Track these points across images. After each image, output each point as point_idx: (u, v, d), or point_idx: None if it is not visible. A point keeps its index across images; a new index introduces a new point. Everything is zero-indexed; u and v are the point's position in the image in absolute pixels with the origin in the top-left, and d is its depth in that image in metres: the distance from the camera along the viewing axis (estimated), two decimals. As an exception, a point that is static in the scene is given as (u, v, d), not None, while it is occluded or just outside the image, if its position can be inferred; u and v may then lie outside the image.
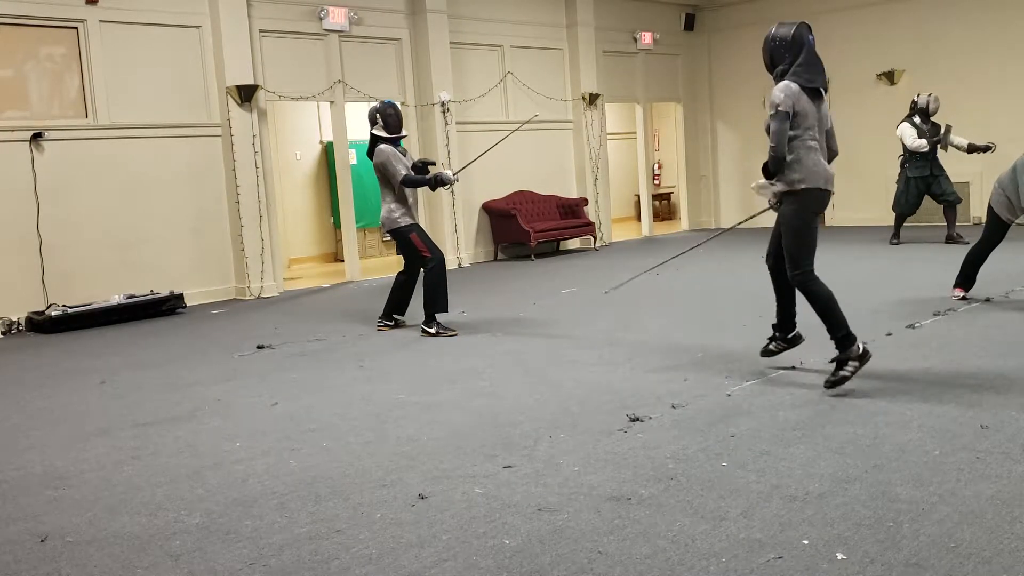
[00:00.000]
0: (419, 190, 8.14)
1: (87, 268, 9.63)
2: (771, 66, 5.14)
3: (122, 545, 3.52)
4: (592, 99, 14.39)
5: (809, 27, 5.14)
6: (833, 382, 5.02)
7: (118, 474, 4.39)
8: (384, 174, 7.53)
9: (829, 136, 5.23)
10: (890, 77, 14.21)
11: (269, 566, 3.24)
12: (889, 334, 6.46)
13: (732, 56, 16.11)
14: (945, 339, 6.24)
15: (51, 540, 3.61)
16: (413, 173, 7.57)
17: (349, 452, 4.50)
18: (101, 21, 9.71)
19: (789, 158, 5.04)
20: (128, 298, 9.53)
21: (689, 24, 16.13)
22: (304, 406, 5.47)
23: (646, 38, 15.45)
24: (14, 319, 9.08)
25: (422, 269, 7.65)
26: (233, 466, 4.40)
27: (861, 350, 5.03)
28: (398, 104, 7.90)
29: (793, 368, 5.61)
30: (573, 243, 14.33)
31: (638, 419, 4.72)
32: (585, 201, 14.15)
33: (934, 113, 11.52)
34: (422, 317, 7.63)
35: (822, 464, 3.93)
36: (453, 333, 7.51)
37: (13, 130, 9.19)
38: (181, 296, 9.89)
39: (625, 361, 6.15)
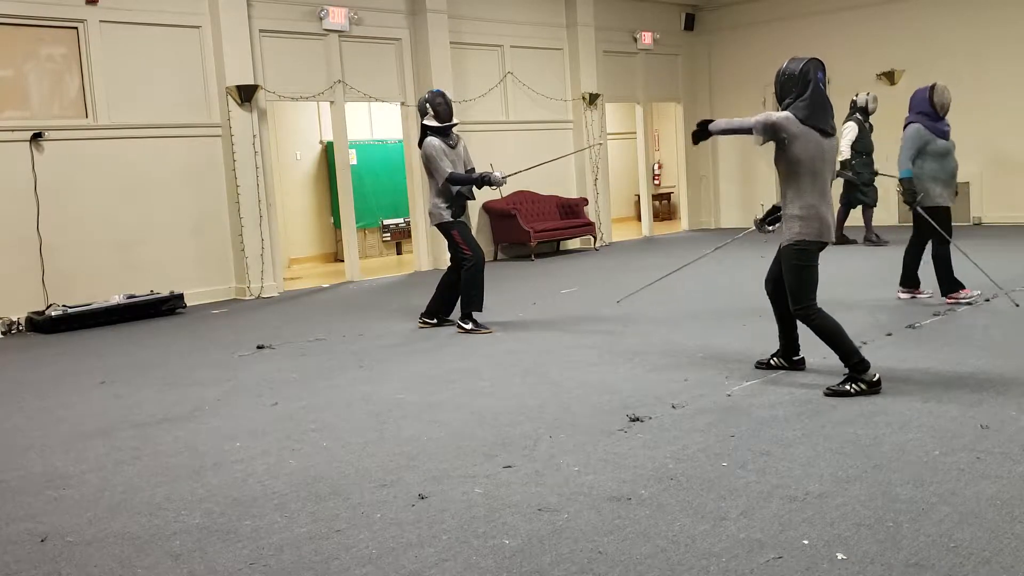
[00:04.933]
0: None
1: (87, 268, 9.63)
2: (780, 99, 5.12)
3: (122, 545, 3.52)
4: (592, 99, 14.38)
5: (821, 64, 5.09)
6: (834, 391, 4.99)
7: (118, 474, 4.39)
8: (428, 168, 7.47)
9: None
10: (890, 77, 14.21)
11: (269, 566, 3.25)
12: (889, 334, 6.46)
13: (732, 56, 16.11)
14: (945, 339, 6.24)
15: (51, 540, 3.61)
16: (462, 171, 7.50)
17: (349, 452, 4.50)
18: (101, 21, 9.71)
19: (794, 211, 5.03)
20: (128, 298, 9.52)
21: (689, 24, 16.13)
22: (304, 406, 5.47)
23: (646, 38, 15.45)
24: (14, 319, 9.08)
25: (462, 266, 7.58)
26: (233, 466, 4.40)
27: (876, 378, 4.98)
28: (446, 93, 7.75)
29: (793, 368, 5.61)
30: (573, 243, 14.33)
31: (638, 419, 4.72)
32: (585, 201, 14.15)
33: (872, 112, 11.64)
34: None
35: (822, 464, 3.93)
36: (488, 331, 7.46)
37: (13, 130, 9.18)
38: (181, 296, 9.88)
39: (625, 361, 6.15)
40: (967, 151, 13.43)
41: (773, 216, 5.54)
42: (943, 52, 13.72)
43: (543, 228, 13.17)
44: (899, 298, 7.83)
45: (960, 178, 13.28)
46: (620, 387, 5.45)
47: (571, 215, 13.90)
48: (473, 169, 7.72)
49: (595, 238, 14.13)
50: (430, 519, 3.57)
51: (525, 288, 10.14)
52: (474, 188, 7.62)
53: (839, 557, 3.04)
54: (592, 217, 14.23)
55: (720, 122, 5.35)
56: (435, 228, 7.82)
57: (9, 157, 9.17)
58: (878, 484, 3.66)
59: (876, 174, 11.55)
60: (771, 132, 5.00)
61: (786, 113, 5.00)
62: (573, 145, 14.43)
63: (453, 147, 7.53)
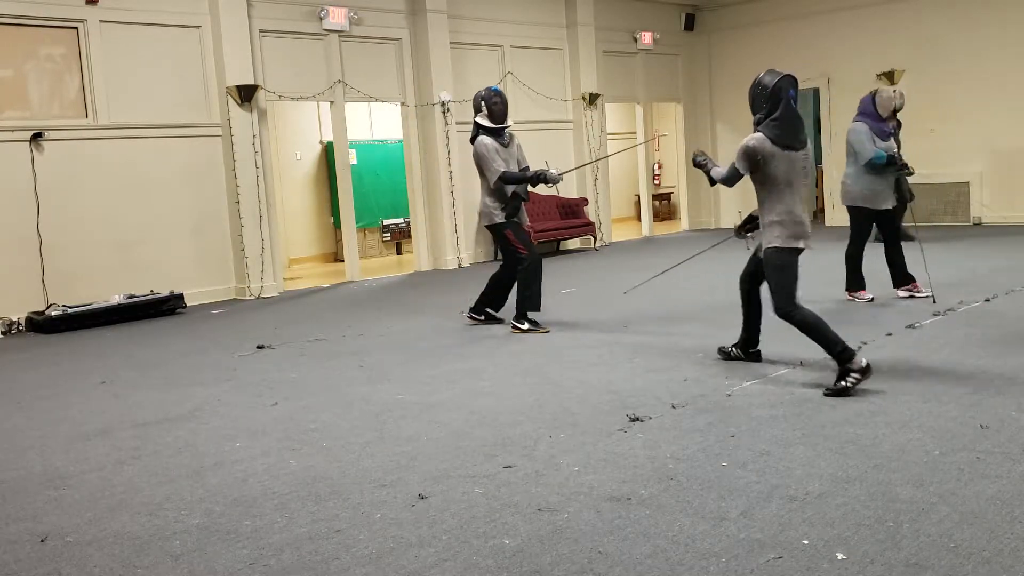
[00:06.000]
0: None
1: (87, 268, 9.63)
2: (752, 109, 5.31)
3: (122, 545, 3.52)
4: (592, 99, 14.39)
5: (794, 81, 5.26)
6: (834, 391, 4.99)
7: (118, 474, 4.40)
8: (480, 167, 7.35)
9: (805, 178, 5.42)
10: (890, 77, 14.20)
11: (269, 566, 3.25)
12: (889, 334, 6.46)
13: (732, 56, 16.12)
14: (945, 339, 6.24)
15: (51, 540, 3.61)
16: (515, 169, 7.37)
17: (349, 452, 4.50)
18: (101, 21, 9.71)
19: (773, 216, 5.27)
20: (128, 298, 9.52)
21: (689, 24, 16.13)
22: (304, 406, 5.47)
23: (646, 38, 15.45)
24: (14, 319, 9.08)
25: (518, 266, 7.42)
26: (233, 466, 4.40)
27: (864, 364, 5.00)
28: (502, 91, 7.53)
29: (793, 368, 5.61)
30: (573, 243, 14.33)
31: (638, 419, 4.72)
32: (585, 201, 14.15)
33: (900, 109, 11.58)
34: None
35: (822, 464, 3.93)
36: (545, 331, 7.34)
37: (13, 130, 9.19)
38: (181, 296, 9.88)
39: (625, 361, 6.15)
40: (967, 151, 13.50)
41: (751, 224, 5.72)
42: (943, 52, 13.73)
43: (543, 228, 13.16)
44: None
45: (960, 178, 13.49)
46: (620, 387, 5.45)
47: (571, 215, 13.90)
48: (528, 168, 7.54)
49: (595, 238, 14.13)
50: (430, 519, 3.57)
51: (525, 288, 10.12)
52: (528, 187, 7.45)
53: (839, 557, 3.04)
54: (592, 217, 14.23)
55: (716, 172, 5.60)
56: (486, 229, 7.67)
57: (9, 157, 9.17)
58: (878, 484, 3.66)
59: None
60: (751, 160, 5.22)
61: (758, 135, 5.21)
62: (573, 145, 14.44)
63: (506, 146, 7.39)
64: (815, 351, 5.62)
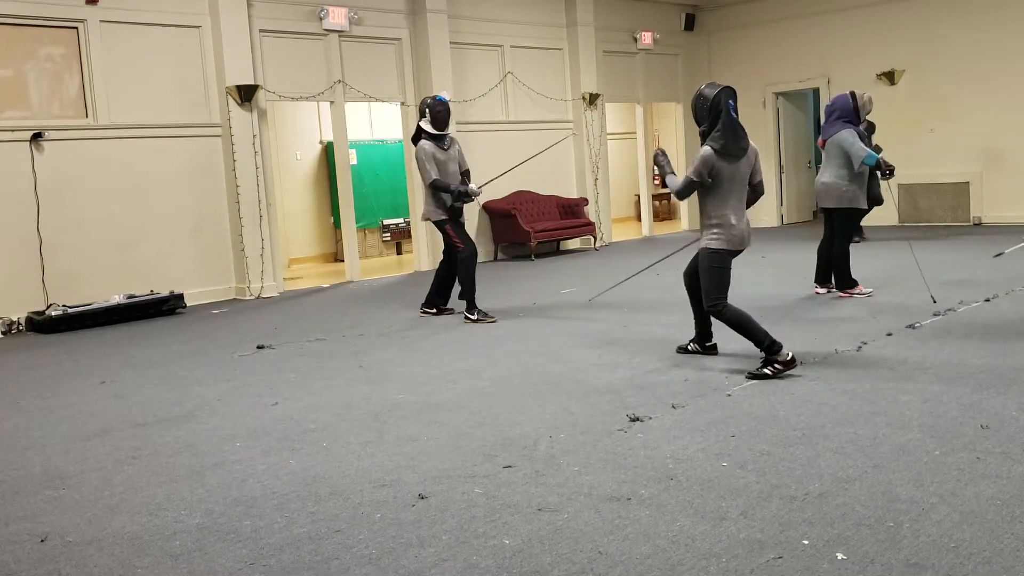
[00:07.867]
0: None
1: (87, 268, 9.63)
2: (696, 120, 5.71)
3: (122, 545, 3.52)
4: (592, 99, 14.38)
5: (733, 92, 5.64)
6: (754, 375, 5.43)
7: (118, 474, 4.40)
8: (419, 170, 7.96)
9: (755, 177, 5.82)
10: (890, 77, 14.22)
11: (269, 566, 3.25)
12: (889, 334, 6.46)
13: (732, 56, 16.12)
14: (945, 339, 6.24)
15: (51, 540, 3.61)
16: (456, 170, 8.01)
17: (349, 452, 4.50)
18: (101, 21, 9.71)
19: (713, 220, 5.65)
20: (128, 298, 9.52)
21: (689, 24, 16.13)
22: (304, 406, 5.47)
23: (646, 38, 15.45)
24: (14, 319, 9.08)
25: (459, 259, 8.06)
26: (233, 466, 4.40)
27: (789, 356, 5.43)
28: (447, 99, 8.16)
29: (793, 368, 5.61)
30: (573, 243, 14.33)
31: (638, 419, 4.72)
32: (585, 201, 14.15)
33: (868, 112, 11.65)
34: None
35: (822, 464, 3.93)
36: (492, 320, 7.93)
37: (13, 130, 9.19)
38: (181, 296, 9.88)
39: (625, 361, 6.15)
40: (967, 151, 13.50)
41: None
42: (943, 52, 13.72)
43: (543, 228, 13.16)
44: (816, 293, 8.30)
45: (961, 178, 13.49)
46: (620, 387, 5.45)
47: (571, 215, 13.90)
48: (468, 172, 8.19)
49: (595, 238, 14.13)
50: (430, 519, 3.57)
51: (525, 288, 10.13)
52: (464, 196, 8.03)
53: (839, 557, 3.04)
54: (592, 217, 14.23)
55: (672, 180, 5.87)
56: (432, 224, 8.31)
57: (9, 157, 9.17)
58: (878, 484, 3.66)
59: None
60: (708, 169, 5.57)
61: (707, 148, 5.57)
62: (573, 146, 14.43)
63: (446, 149, 7.97)
64: (814, 352, 5.62)
